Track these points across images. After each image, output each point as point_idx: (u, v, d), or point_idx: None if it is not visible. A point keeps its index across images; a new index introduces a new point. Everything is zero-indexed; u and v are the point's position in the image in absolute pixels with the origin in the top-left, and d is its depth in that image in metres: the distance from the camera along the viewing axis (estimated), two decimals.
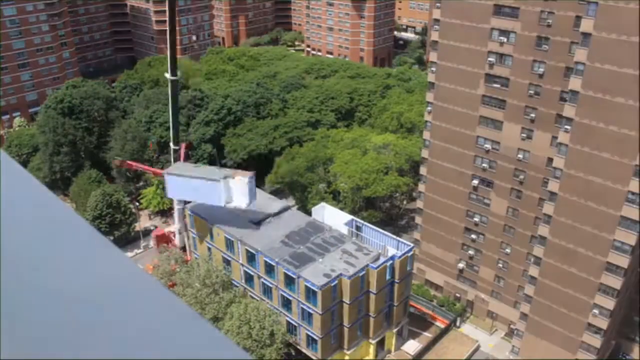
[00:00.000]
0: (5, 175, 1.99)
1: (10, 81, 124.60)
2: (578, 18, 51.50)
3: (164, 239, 76.50)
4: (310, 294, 53.52)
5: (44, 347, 1.43)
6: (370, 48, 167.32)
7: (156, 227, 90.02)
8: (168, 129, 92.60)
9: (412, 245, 61.39)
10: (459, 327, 71.24)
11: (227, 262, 63.73)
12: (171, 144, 72.30)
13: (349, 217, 64.01)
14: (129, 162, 79.78)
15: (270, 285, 58.92)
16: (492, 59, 60.11)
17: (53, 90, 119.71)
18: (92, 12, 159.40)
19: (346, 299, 55.00)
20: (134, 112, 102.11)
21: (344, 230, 61.75)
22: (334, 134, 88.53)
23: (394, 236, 62.44)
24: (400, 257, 58.23)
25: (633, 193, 49.19)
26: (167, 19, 63.52)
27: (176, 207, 71.71)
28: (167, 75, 64.88)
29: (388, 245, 60.04)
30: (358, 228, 62.71)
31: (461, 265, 71.55)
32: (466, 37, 61.14)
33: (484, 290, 70.90)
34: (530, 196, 61.80)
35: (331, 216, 64.19)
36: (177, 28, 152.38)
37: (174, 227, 75.48)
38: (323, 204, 68.46)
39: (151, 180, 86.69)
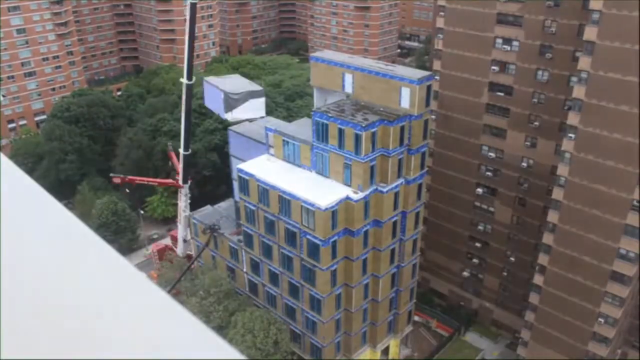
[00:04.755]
0: (8, 181, 2.01)
1: (17, 90, 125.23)
2: (582, 26, 51.53)
3: (165, 252, 76.23)
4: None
5: (45, 356, 1.44)
6: (374, 57, 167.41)
7: (156, 236, 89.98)
8: (173, 137, 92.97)
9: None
10: (463, 336, 70.87)
11: (232, 271, 63.68)
12: None
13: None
14: (130, 177, 78.63)
15: (275, 294, 58.87)
16: (495, 67, 60.14)
17: (59, 98, 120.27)
18: (98, 21, 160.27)
19: None
20: (140, 120, 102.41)
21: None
22: None
23: None
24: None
25: (638, 201, 49.00)
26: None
27: (182, 215, 71.36)
28: None
29: None
30: None
31: (466, 273, 71.23)
32: (470, 46, 61.20)
33: (489, 298, 70.53)
34: (535, 204, 61.57)
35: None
36: (183, 37, 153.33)
37: (179, 235, 75.15)
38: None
39: (156, 187, 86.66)
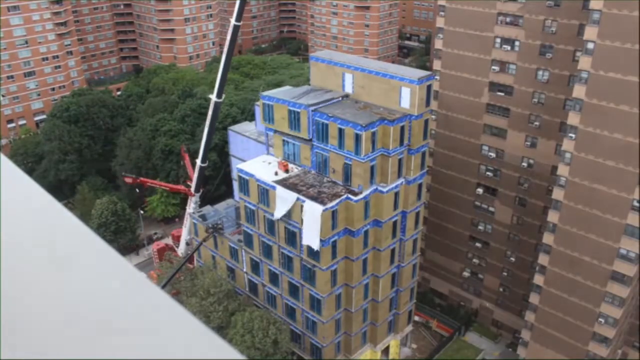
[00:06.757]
0: (8, 181, 2.01)
1: (16, 89, 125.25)
2: (582, 26, 51.54)
3: (165, 252, 76.34)
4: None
5: (45, 354, 1.44)
6: (374, 57, 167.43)
7: (157, 235, 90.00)
8: (172, 137, 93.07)
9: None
10: (463, 336, 70.86)
11: (232, 271, 63.65)
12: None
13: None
14: (142, 179, 78.99)
15: (275, 294, 58.86)
16: (496, 67, 60.14)
17: (59, 98, 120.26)
18: (98, 21, 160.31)
19: None
20: (139, 120, 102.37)
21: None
22: None
23: None
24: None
25: (638, 201, 48.99)
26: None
27: (188, 217, 71.42)
28: None
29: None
30: None
31: (466, 273, 71.22)
32: (470, 46, 61.20)
33: (489, 298, 70.53)
34: (535, 204, 61.58)
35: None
36: (182, 37, 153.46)
37: (182, 237, 75.28)
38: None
39: (156, 188, 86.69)
